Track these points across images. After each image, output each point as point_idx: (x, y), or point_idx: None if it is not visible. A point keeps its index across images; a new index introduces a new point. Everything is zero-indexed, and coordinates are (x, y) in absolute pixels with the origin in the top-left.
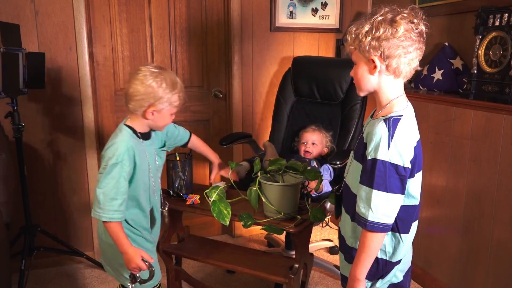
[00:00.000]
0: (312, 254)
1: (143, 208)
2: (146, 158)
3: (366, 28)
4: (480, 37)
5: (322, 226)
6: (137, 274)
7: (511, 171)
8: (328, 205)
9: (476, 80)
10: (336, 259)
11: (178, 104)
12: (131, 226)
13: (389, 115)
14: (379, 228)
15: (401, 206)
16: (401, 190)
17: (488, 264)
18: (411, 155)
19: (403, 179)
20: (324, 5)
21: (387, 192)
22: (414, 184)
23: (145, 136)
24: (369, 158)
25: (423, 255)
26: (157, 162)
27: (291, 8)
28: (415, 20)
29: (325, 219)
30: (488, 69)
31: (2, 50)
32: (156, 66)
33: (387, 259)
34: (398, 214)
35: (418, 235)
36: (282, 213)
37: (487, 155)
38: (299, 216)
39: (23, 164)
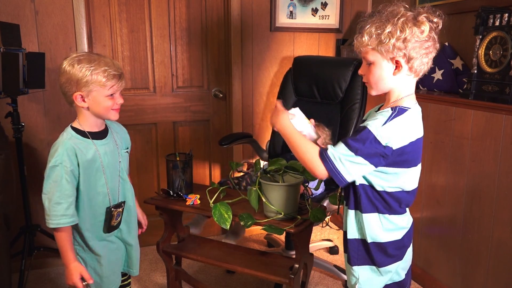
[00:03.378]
0: (312, 254)
1: (96, 212)
2: (99, 158)
3: (389, 28)
4: (480, 37)
5: (322, 226)
6: None
7: (511, 171)
8: (326, 202)
9: (476, 80)
10: (336, 259)
11: (107, 83)
12: (82, 231)
13: (396, 105)
14: (336, 176)
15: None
16: (371, 160)
17: (488, 264)
18: (401, 143)
19: (380, 156)
20: (324, 5)
21: (356, 155)
22: (403, 176)
23: (98, 135)
24: (362, 124)
25: (423, 255)
26: (119, 161)
27: (291, 8)
28: (435, 20)
29: (325, 219)
30: (488, 69)
31: (2, 50)
32: (79, 53)
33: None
34: (386, 197)
35: (418, 235)
36: (282, 213)
37: (487, 155)
38: (299, 216)
39: (23, 164)
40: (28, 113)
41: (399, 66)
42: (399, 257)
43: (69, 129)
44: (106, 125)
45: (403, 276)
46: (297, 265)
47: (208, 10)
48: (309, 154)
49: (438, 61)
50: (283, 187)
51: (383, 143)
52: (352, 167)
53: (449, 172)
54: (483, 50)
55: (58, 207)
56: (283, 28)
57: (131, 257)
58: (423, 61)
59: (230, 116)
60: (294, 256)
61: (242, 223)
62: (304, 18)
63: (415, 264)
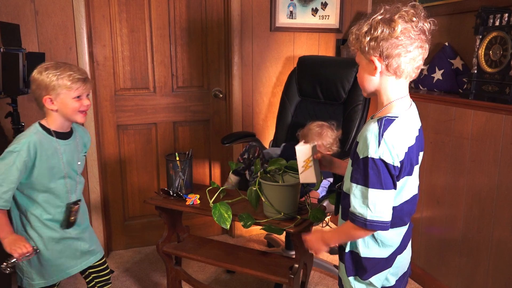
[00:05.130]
0: (312, 254)
1: (54, 205)
2: (59, 157)
3: (365, 28)
4: (480, 37)
5: (322, 226)
6: (13, 259)
7: (511, 171)
8: (326, 202)
9: (476, 80)
10: (336, 259)
11: (72, 85)
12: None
13: (383, 116)
14: (379, 226)
15: None
16: (394, 185)
17: (488, 264)
18: (400, 156)
19: (393, 177)
20: (324, 5)
21: (383, 189)
22: (398, 187)
23: (62, 135)
24: (361, 156)
25: (423, 255)
26: (78, 163)
27: (291, 8)
28: (414, 18)
29: (325, 219)
30: (488, 69)
31: (2, 50)
32: (47, 62)
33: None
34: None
35: (418, 235)
36: (282, 213)
37: (487, 155)
38: (299, 216)
39: None
40: (28, 113)
41: (375, 66)
42: (380, 269)
43: (36, 124)
44: (72, 128)
45: (393, 283)
46: (297, 265)
47: (208, 10)
48: (351, 234)
49: (438, 61)
50: (283, 187)
51: (391, 163)
52: (387, 205)
53: (449, 172)
54: (483, 50)
55: None
56: (283, 28)
57: (83, 249)
58: (402, 60)
59: (230, 116)
60: (294, 256)
61: (242, 223)
62: (304, 18)
63: (415, 264)
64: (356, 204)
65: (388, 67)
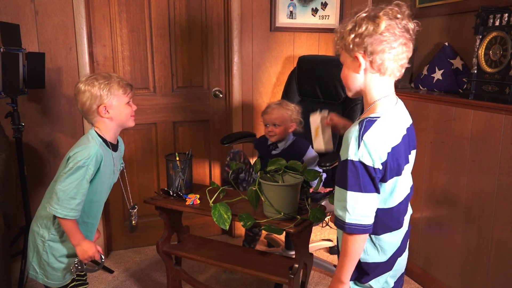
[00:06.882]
0: (312, 254)
1: (97, 210)
2: (111, 168)
3: (350, 26)
4: (480, 37)
5: (322, 226)
6: (85, 265)
7: (511, 171)
8: (325, 202)
9: (476, 80)
10: (336, 259)
11: (123, 91)
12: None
13: (365, 117)
14: (358, 229)
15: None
16: (375, 189)
17: (488, 264)
18: (383, 157)
19: (373, 179)
20: (324, 5)
21: (362, 192)
22: (388, 189)
23: (114, 147)
24: (342, 159)
25: (423, 255)
26: (119, 169)
27: (291, 8)
28: (399, 16)
29: (325, 219)
30: (488, 69)
31: (2, 50)
32: (89, 76)
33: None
34: (382, 216)
35: (418, 235)
36: (282, 213)
37: (487, 155)
38: (299, 216)
39: (23, 164)
40: (28, 113)
41: (359, 63)
42: (380, 273)
43: (95, 134)
44: (117, 141)
45: (392, 285)
46: (296, 265)
47: (208, 10)
48: (349, 250)
49: (438, 61)
50: (283, 187)
51: (371, 165)
52: (367, 208)
53: (449, 172)
54: (483, 50)
55: (72, 201)
56: (283, 28)
57: None
58: (386, 57)
59: (230, 116)
60: (294, 256)
61: (242, 223)
62: (304, 18)
63: (415, 264)
64: (337, 206)
65: (372, 63)
